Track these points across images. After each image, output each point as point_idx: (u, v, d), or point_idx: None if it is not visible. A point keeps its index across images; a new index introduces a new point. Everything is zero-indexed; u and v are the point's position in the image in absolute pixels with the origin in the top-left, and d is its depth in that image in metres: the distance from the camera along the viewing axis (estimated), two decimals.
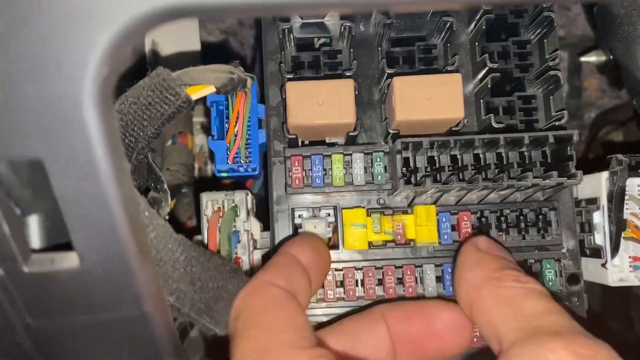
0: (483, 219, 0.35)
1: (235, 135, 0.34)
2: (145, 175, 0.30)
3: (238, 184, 0.46)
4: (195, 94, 0.28)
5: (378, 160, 0.34)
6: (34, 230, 0.19)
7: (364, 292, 0.34)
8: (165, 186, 0.29)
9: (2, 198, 0.17)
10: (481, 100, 0.35)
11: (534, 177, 0.31)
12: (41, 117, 0.16)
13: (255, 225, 0.35)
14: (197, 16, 0.15)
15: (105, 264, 0.18)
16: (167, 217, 0.28)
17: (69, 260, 0.18)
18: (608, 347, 0.23)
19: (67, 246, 0.19)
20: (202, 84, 0.28)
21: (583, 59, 0.57)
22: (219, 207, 0.34)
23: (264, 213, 0.39)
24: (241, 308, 0.26)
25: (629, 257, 0.35)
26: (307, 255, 0.30)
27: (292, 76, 0.34)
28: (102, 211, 0.17)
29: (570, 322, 0.24)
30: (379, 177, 0.34)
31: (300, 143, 0.35)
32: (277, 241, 0.35)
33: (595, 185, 0.36)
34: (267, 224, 0.36)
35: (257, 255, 0.35)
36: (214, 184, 0.50)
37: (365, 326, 0.30)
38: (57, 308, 0.19)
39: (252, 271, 0.34)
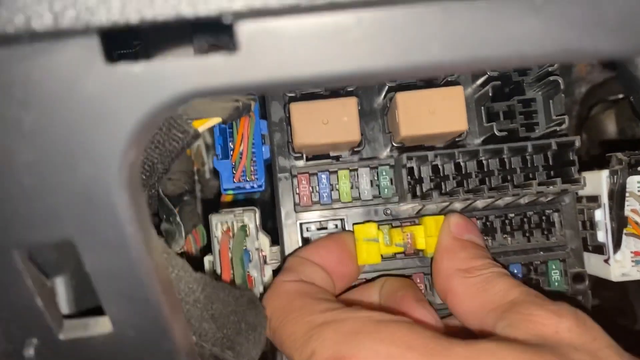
0: (488, 224, 0.35)
1: (241, 155, 0.35)
2: (156, 208, 0.30)
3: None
4: (202, 126, 0.28)
5: (384, 173, 0.34)
6: (64, 296, 0.20)
7: None
8: (179, 219, 0.29)
9: (34, 274, 0.17)
10: (482, 107, 0.35)
11: (538, 185, 0.32)
12: (71, 201, 0.16)
13: (264, 241, 0.36)
14: (212, 95, 0.15)
15: (138, 327, 0.19)
16: (182, 250, 0.28)
17: (102, 325, 0.19)
18: (566, 305, 0.27)
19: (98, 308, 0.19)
20: (208, 117, 0.28)
21: None
22: (228, 228, 0.35)
23: (267, 219, 0.39)
24: (267, 310, 0.30)
25: (631, 252, 0.36)
26: (321, 254, 0.33)
27: (294, 94, 0.34)
28: (134, 281, 0.17)
29: (527, 290, 0.29)
30: (386, 190, 0.34)
31: (305, 157, 0.36)
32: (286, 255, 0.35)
33: (595, 183, 0.36)
34: (272, 233, 0.37)
35: (268, 271, 0.36)
36: (216, 194, 0.50)
37: (365, 289, 0.34)
38: None
39: (264, 288, 0.35)
